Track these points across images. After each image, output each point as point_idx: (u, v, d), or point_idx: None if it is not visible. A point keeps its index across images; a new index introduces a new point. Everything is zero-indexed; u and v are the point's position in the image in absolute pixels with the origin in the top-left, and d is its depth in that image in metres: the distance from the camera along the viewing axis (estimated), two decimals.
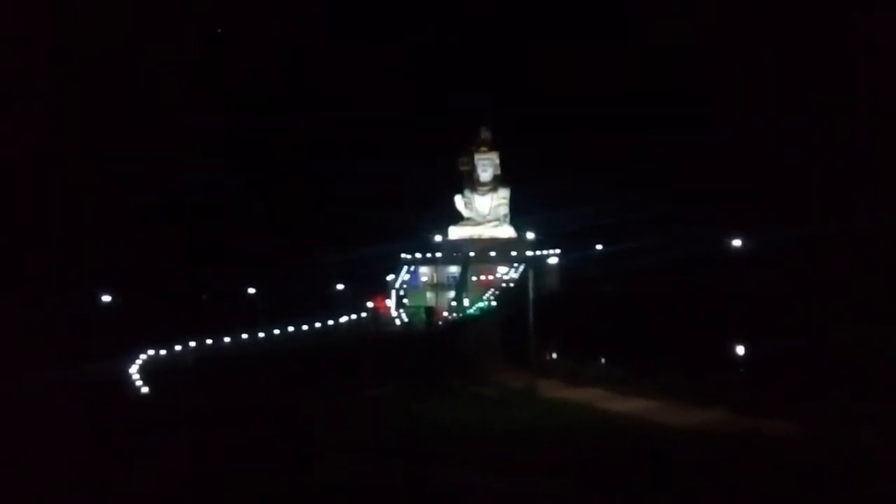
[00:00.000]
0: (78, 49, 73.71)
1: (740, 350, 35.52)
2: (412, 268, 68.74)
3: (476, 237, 72.36)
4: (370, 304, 63.55)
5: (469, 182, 74.80)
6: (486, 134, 75.02)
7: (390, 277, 67.99)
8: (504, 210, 74.49)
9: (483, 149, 74.75)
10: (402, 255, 68.81)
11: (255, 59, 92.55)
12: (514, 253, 68.07)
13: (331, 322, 57.09)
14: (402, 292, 66.67)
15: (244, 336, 50.13)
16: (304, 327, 54.44)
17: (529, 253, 67.61)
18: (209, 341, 47.97)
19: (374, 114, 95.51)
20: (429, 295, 67.33)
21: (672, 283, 52.23)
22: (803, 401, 27.81)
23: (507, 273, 65.90)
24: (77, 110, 75.93)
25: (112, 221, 76.15)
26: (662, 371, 34.79)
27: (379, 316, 62.42)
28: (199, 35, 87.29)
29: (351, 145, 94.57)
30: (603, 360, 40.15)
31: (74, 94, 75.92)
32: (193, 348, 47.00)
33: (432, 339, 52.29)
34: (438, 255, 69.75)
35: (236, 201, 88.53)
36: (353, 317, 60.28)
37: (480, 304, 61.76)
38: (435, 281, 68.71)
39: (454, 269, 68.29)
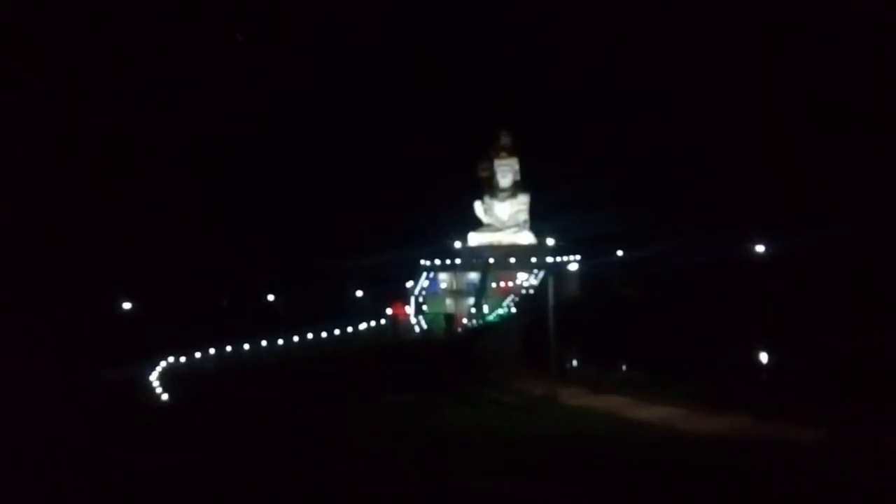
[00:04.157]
0: (104, 50, 74.35)
1: (764, 356, 35.34)
2: (431, 274, 68.74)
3: (496, 243, 72.26)
4: (389, 311, 63.63)
5: (488, 188, 74.75)
6: (505, 139, 74.95)
7: (410, 284, 68.07)
8: (524, 216, 74.35)
9: (503, 154, 74.66)
10: (422, 262, 68.84)
11: (269, 60, 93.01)
12: (533, 259, 67.93)
13: (350, 329, 57.20)
14: (421, 299, 66.69)
15: (264, 343, 50.34)
16: (324, 334, 54.60)
17: (549, 259, 67.47)
18: (229, 348, 48.20)
19: (394, 119, 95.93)
20: (448, 301, 67.22)
21: (694, 287, 52.02)
22: (830, 407, 27.64)
23: (526, 279, 65.78)
24: (93, 112, 76.65)
25: (132, 227, 76.79)
26: (686, 378, 34.68)
27: (398, 323, 62.42)
28: (208, 36, 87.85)
29: (370, 151, 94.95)
30: (625, 367, 40.03)
31: (93, 94, 76.67)
32: (214, 355, 47.23)
33: (452, 345, 52.25)
34: (458, 261, 69.69)
35: (255, 206, 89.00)
36: (373, 323, 60.38)
37: (500, 311, 61.68)
38: (454, 287, 68.56)
39: (474, 276, 68.16)
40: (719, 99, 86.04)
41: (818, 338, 35.36)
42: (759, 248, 46.00)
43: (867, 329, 36.66)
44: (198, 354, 46.51)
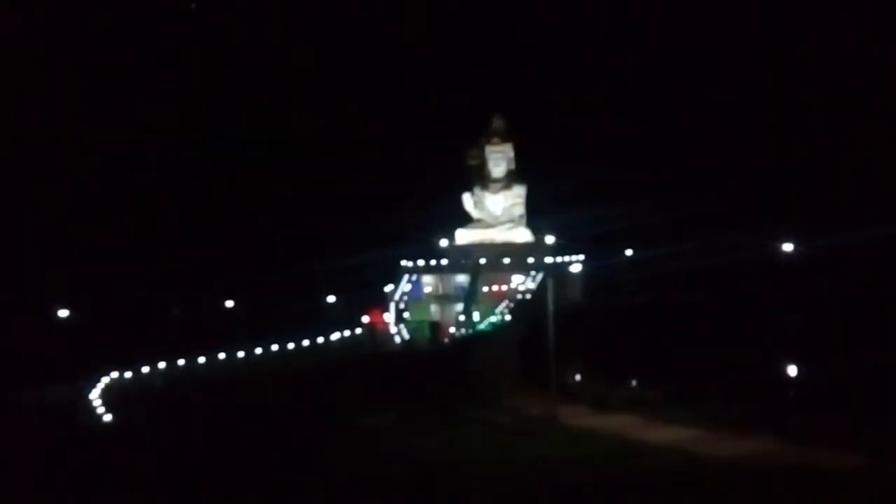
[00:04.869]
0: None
1: (793, 370, 35.40)
2: (414, 277, 68.78)
3: (487, 241, 72.35)
4: (366, 320, 63.60)
5: (479, 178, 74.80)
6: (498, 123, 75.02)
7: (389, 288, 68.05)
8: (519, 210, 74.45)
9: (495, 140, 74.75)
10: (403, 263, 68.83)
11: (245, 51, 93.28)
12: (531, 259, 68.07)
13: (321, 340, 57.10)
14: (402, 305, 66.74)
15: (222, 356, 50.17)
16: (291, 346, 54.48)
17: (549, 259, 67.62)
18: (181, 362, 47.99)
19: (372, 104, 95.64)
20: (433, 308, 67.32)
21: (713, 293, 52.12)
22: (867, 428, 27.66)
23: (523, 282, 65.95)
24: (42, 114, 77.12)
25: (72, 227, 76.41)
26: (704, 395, 34.73)
27: (376, 332, 62.44)
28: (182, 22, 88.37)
29: (345, 139, 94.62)
30: (634, 383, 40.11)
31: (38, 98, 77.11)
32: (164, 370, 47.01)
33: (438, 358, 52.30)
34: (444, 262, 69.73)
35: (214, 202, 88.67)
36: (347, 334, 60.34)
37: (493, 319, 61.81)
38: (440, 292, 68.68)
39: (462, 279, 68.29)
40: (745, 79, 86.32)
41: (856, 350, 35.41)
42: (789, 248, 46.00)
43: None
44: (145, 369, 46.26)
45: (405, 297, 67.45)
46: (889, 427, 27.32)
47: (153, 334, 53.60)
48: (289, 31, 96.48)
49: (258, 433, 32.11)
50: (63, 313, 54.00)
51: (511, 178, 74.60)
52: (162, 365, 47.04)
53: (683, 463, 26.99)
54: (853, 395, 31.95)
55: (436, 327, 62.04)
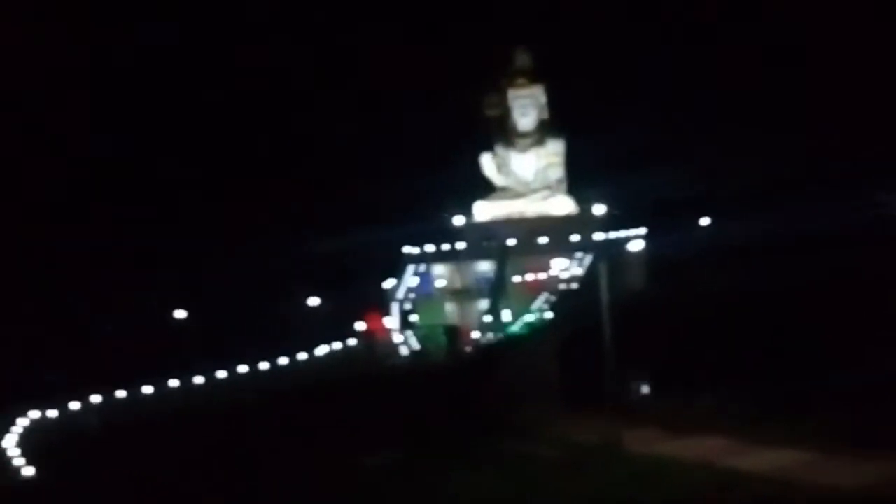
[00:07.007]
0: None
1: None
2: (422, 268, 68.88)
3: (517, 216, 72.36)
4: (362, 326, 63.75)
5: (501, 133, 74.71)
6: (523, 59, 74.86)
7: (390, 284, 68.20)
8: (557, 173, 74.32)
9: (520, 81, 74.59)
10: (406, 250, 68.94)
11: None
12: (575, 237, 68.01)
13: (304, 356, 57.27)
14: (408, 306, 66.83)
15: (173, 382, 50.39)
16: (264, 365, 54.67)
17: (599, 236, 67.53)
18: (121, 394, 48.22)
19: (360, 37, 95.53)
20: (448, 308, 67.29)
21: (822, 273, 52.13)
22: None
23: (567, 269, 65.94)
24: None
25: None
26: (813, 406, 34.81)
27: (376, 343, 62.52)
28: None
29: (325, 85, 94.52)
30: (720, 394, 40.22)
31: None
32: (99, 405, 47.22)
33: (456, 374, 52.45)
34: (460, 246, 69.73)
35: (157, 181, 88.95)
36: (338, 346, 60.53)
37: (528, 319, 61.85)
38: (457, 286, 68.69)
39: (486, 267, 68.31)
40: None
41: None
42: None
43: None
44: (75, 405, 46.49)
45: (411, 295, 67.55)
46: None
47: (84, 359, 53.80)
48: None
49: (222, 478, 32.32)
50: None
51: (544, 131, 74.44)
52: (96, 399, 47.23)
53: (790, 496, 27.08)
54: None
55: (453, 333, 61.97)
